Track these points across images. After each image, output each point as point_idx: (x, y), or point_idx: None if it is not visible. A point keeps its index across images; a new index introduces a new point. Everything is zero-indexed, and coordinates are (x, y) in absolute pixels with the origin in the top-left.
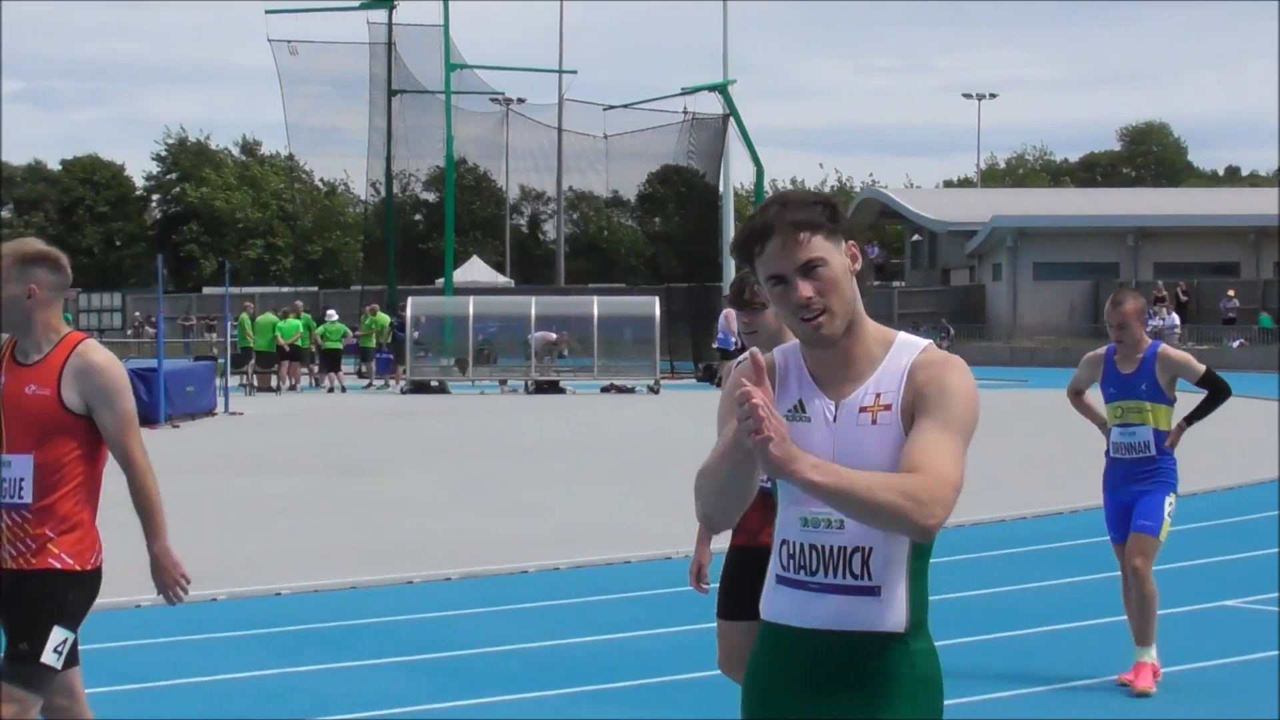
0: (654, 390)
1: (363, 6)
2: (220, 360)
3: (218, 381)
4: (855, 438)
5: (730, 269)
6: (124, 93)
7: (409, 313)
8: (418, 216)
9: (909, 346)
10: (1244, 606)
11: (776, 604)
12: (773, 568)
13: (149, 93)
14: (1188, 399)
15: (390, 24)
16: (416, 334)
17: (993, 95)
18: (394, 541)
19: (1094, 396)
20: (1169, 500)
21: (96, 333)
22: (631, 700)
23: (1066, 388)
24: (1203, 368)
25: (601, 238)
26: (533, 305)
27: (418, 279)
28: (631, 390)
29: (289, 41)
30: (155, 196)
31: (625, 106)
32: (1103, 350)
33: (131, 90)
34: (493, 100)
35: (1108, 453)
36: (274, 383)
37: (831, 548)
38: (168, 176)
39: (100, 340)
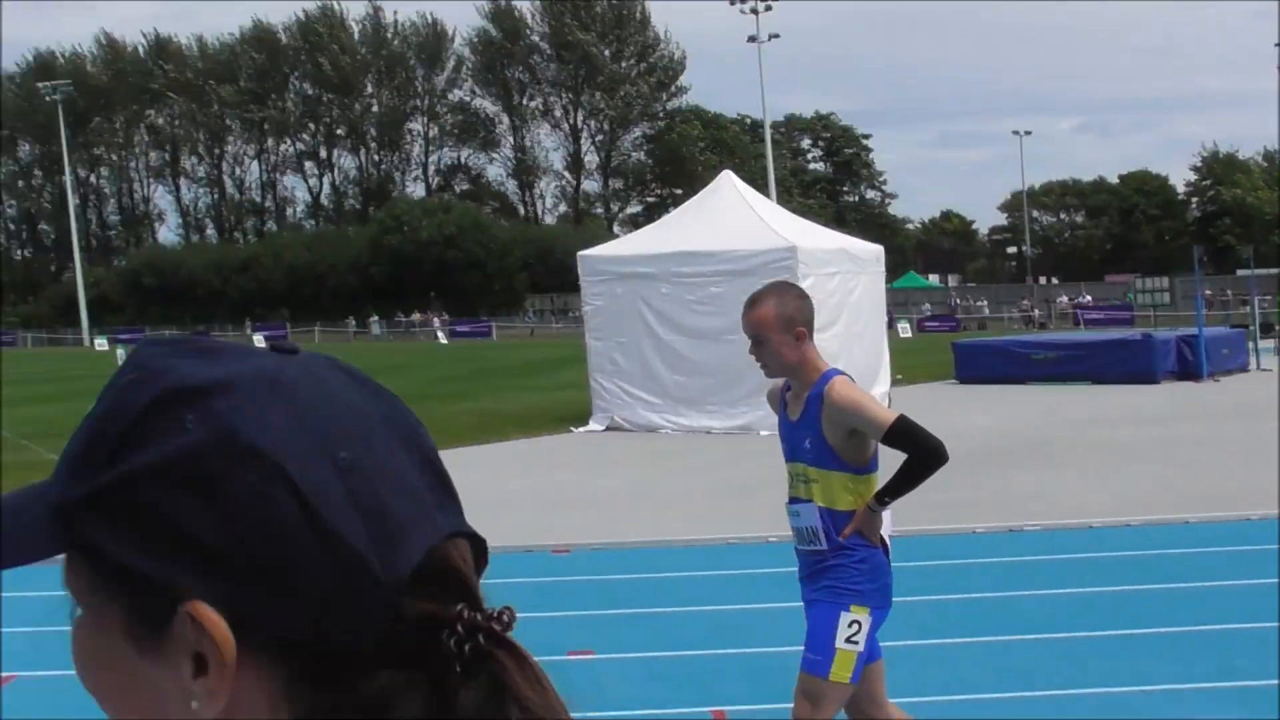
0: None
1: None
2: (1250, 328)
3: (1249, 345)
4: None
5: None
6: (1163, 121)
7: None
8: None
9: None
10: None
11: None
12: None
13: (1184, 119)
14: None
15: None
16: None
17: None
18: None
19: None
20: None
21: (1151, 310)
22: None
23: None
24: None
25: None
26: None
27: None
28: None
29: None
30: (1194, 200)
31: None
32: None
33: (1169, 116)
34: None
35: None
36: None
37: None
38: (1203, 183)
39: (1154, 316)
